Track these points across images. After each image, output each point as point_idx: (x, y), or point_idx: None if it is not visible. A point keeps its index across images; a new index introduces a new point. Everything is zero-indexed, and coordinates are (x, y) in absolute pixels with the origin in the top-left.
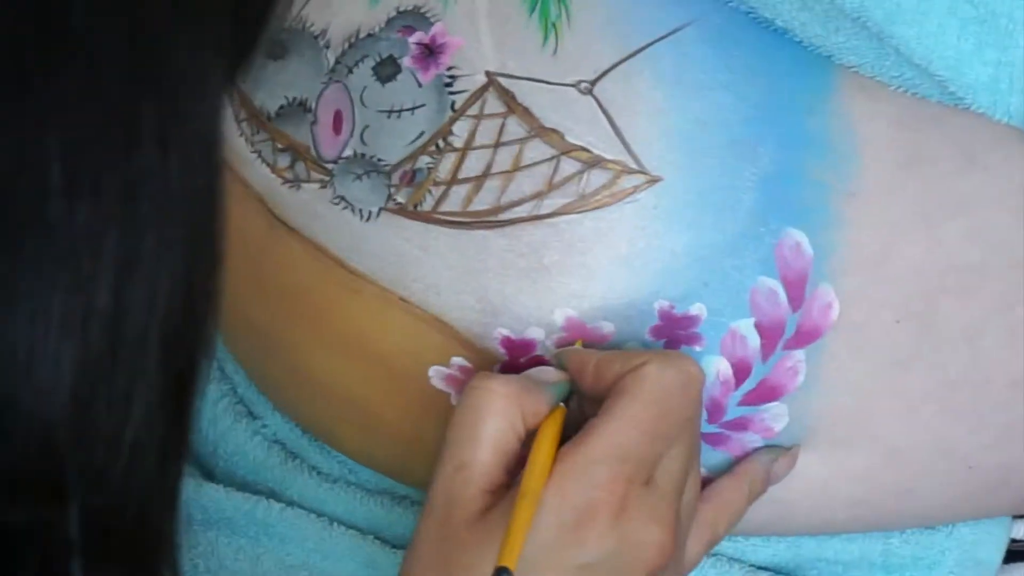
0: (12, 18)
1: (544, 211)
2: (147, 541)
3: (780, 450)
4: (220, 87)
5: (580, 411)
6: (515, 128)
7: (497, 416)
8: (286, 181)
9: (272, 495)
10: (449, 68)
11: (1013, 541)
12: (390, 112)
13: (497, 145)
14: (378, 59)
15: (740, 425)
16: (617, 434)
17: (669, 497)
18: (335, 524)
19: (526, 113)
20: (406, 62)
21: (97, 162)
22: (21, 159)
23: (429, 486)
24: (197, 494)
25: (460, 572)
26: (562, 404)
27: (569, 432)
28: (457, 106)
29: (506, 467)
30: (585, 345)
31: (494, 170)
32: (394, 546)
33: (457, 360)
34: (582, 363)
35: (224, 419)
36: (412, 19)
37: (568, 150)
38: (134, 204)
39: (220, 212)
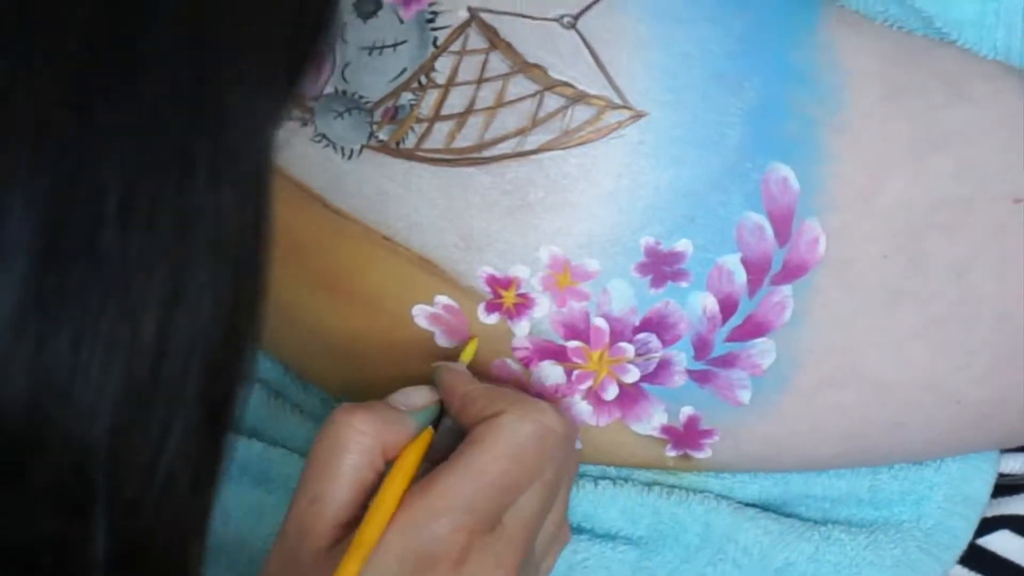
0: (81, 40)
1: (528, 147)
2: (174, 565)
3: None
4: (273, 124)
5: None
6: (498, 64)
7: (354, 453)
8: None
9: (254, 434)
10: (431, 4)
11: (1001, 475)
12: (371, 49)
13: (480, 81)
14: None
15: (727, 362)
16: (463, 486)
17: (517, 540)
18: None
19: (509, 48)
20: None
21: (153, 193)
22: (79, 184)
23: (285, 516)
24: None
25: None
26: (430, 427)
27: (444, 445)
28: (439, 42)
29: (362, 502)
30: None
31: (477, 106)
32: None
33: (441, 298)
34: (451, 389)
35: None
36: None
37: (552, 85)
38: (186, 238)
39: (267, 246)
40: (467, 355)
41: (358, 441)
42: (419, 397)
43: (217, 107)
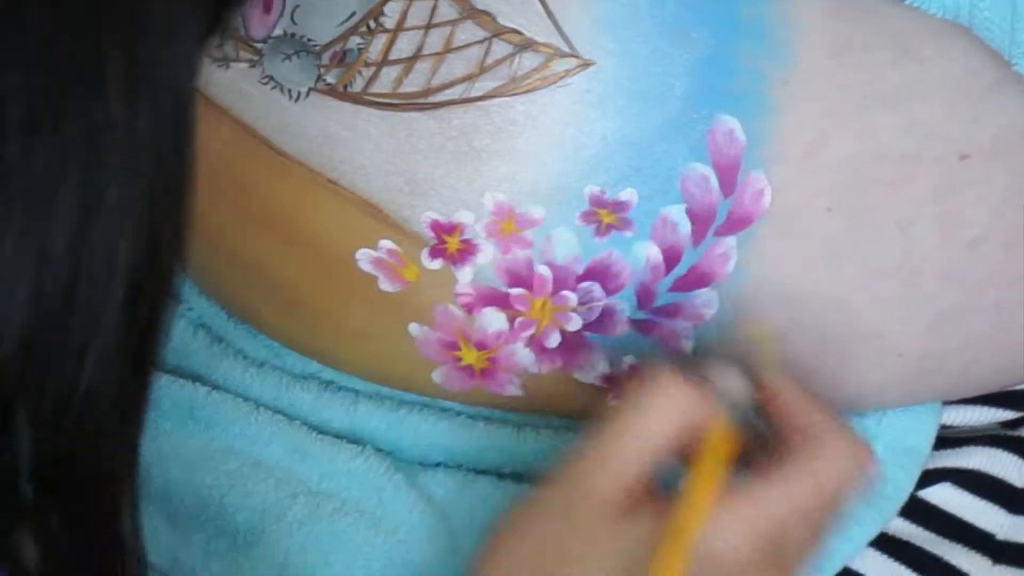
0: None
1: (475, 94)
2: (104, 497)
3: None
4: (196, 39)
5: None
6: (447, 9)
7: (664, 424)
8: (215, 59)
9: (198, 379)
10: None
11: (943, 428)
12: None
13: (429, 27)
14: None
15: (670, 312)
16: (777, 506)
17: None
18: (261, 408)
19: None
20: None
21: (59, 103)
22: None
23: (560, 466)
24: None
25: (589, 563)
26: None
27: None
28: None
29: (652, 473)
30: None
31: (425, 52)
32: (320, 431)
33: (385, 243)
34: (777, 393)
35: None
36: None
37: (500, 32)
38: (97, 150)
39: (191, 165)
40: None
41: (672, 415)
42: (740, 388)
43: (132, 13)
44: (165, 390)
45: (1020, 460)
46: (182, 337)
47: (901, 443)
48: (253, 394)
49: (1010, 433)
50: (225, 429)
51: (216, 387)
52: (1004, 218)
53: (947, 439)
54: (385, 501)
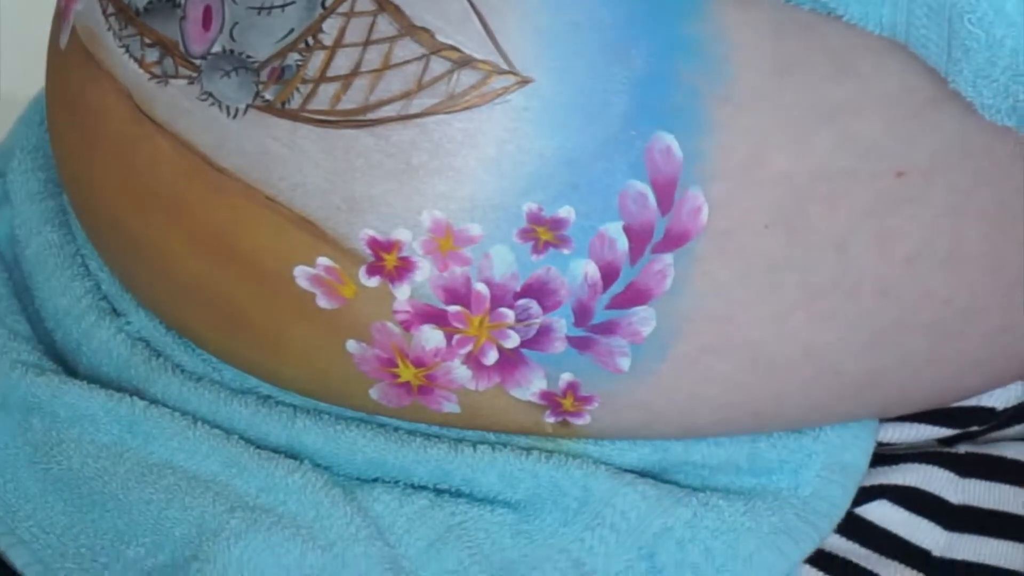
0: None
1: (413, 111)
2: None
3: None
4: None
5: None
6: (385, 26)
7: None
8: (153, 76)
9: (137, 393)
10: None
11: (880, 445)
12: (260, 9)
13: (367, 43)
14: None
15: (608, 329)
16: None
17: None
18: (199, 423)
19: (396, 11)
20: None
21: None
22: None
23: None
24: (61, 392)
25: None
26: None
27: None
28: (328, 3)
29: None
30: (452, 249)
31: (363, 68)
32: (258, 446)
33: (323, 260)
34: None
35: (88, 316)
36: None
37: (438, 49)
38: None
39: None
40: None
41: None
42: None
43: None
44: (103, 404)
45: (956, 477)
46: (120, 351)
47: (838, 460)
48: (191, 408)
49: (947, 450)
50: (163, 443)
51: (154, 402)
52: (940, 235)
53: (884, 456)
54: (322, 515)
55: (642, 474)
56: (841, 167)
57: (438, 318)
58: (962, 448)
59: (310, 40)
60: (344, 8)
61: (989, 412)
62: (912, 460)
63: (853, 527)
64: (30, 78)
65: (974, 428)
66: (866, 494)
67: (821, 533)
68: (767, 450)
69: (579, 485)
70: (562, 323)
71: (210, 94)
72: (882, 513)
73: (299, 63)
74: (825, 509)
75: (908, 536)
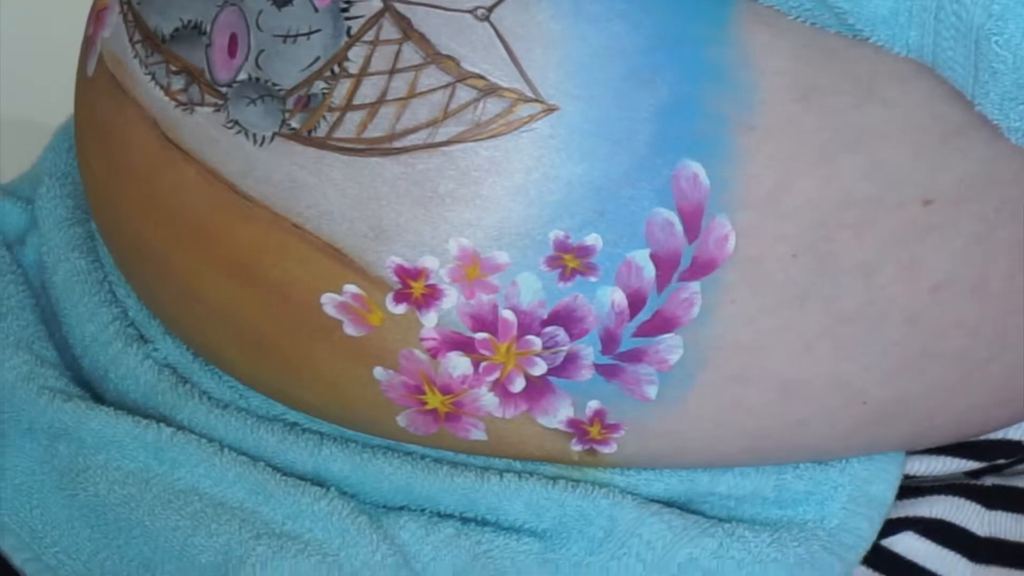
0: None
1: (439, 139)
2: None
3: None
4: None
5: None
6: (411, 55)
7: None
8: (179, 104)
9: (164, 420)
10: None
11: (906, 477)
12: (286, 37)
13: (392, 72)
14: None
15: (634, 357)
16: None
17: None
18: (226, 450)
19: (422, 39)
20: None
21: None
22: None
23: None
24: (87, 418)
25: None
26: None
27: None
28: (353, 32)
29: None
30: (479, 276)
31: (389, 97)
32: (284, 473)
33: (350, 287)
34: None
35: (115, 343)
36: None
37: (464, 77)
38: None
39: None
40: None
41: None
42: None
43: None
44: (130, 431)
45: (983, 509)
46: (147, 378)
47: (864, 493)
48: (218, 435)
49: (973, 482)
50: (190, 470)
51: (181, 428)
52: (967, 264)
53: (910, 488)
54: (348, 543)
55: (668, 504)
56: (867, 195)
57: (465, 345)
58: (988, 480)
59: (336, 68)
60: (370, 36)
61: (1016, 445)
62: (938, 492)
63: (879, 559)
64: (59, 105)
65: (1000, 461)
66: (892, 526)
67: (847, 565)
68: (793, 481)
69: (605, 514)
70: (589, 351)
71: (236, 122)
72: (908, 545)
73: (325, 91)
74: (851, 541)
75: (934, 568)
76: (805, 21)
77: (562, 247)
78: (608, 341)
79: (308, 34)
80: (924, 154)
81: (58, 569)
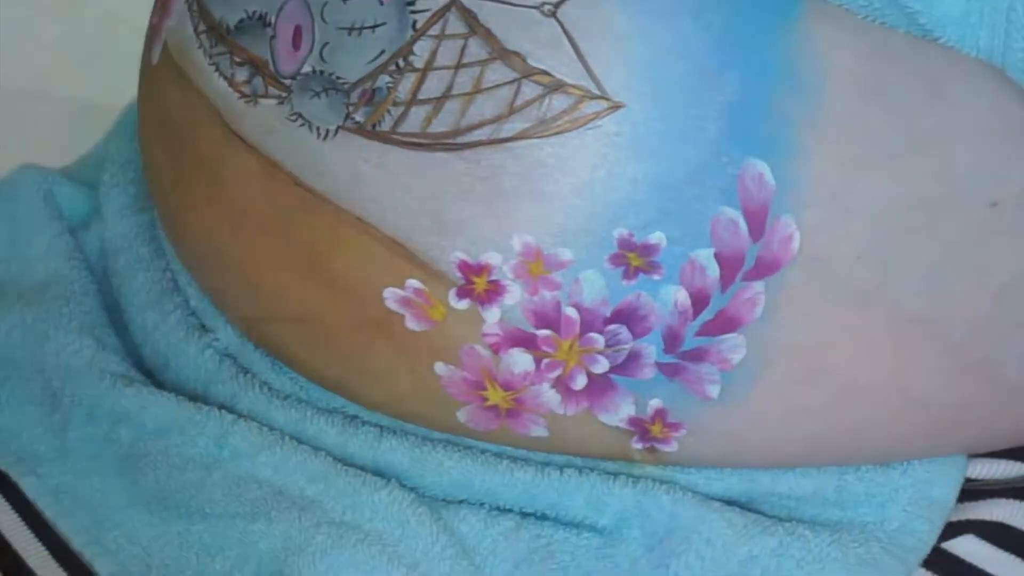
0: None
1: (504, 135)
2: None
3: None
4: None
5: None
6: (477, 50)
7: None
8: (243, 95)
9: (223, 408)
10: None
11: (968, 480)
12: (351, 29)
13: (458, 66)
14: None
15: (697, 356)
16: None
17: None
18: (287, 438)
19: (488, 35)
20: None
21: None
22: None
23: None
24: (149, 403)
25: None
26: None
27: None
28: (418, 25)
29: None
30: (542, 273)
31: (454, 92)
32: (344, 463)
33: (412, 282)
34: None
35: (176, 331)
36: None
37: (530, 73)
38: None
39: None
40: None
41: None
42: None
43: None
44: (191, 417)
45: None
46: (208, 367)
47: (925, 495)
48: (277, 426)
49: None
50: (251, 458)
51: (241, 416)
52: None
53: (971, 491)
54: (408, 534)
55: (728, 503)
56: (933, 196)
57: (527, 342)
58: None
59: (401, 62)
60: (435, 31)
61: None
62: (1000, 495)
63: (940, 562)
64: (118, 88)
65: None
66: (953, 529)
67: (907, 567)
68: (854, 483)
69: (666, 511)
70: (651, 349)
71: (300, 115)
72: (969, 548)
73: (390, 85)
74: (912, 544)
75: (995, 571)
76: (874, 20)
77: (626, 245)
78: (671, 340)
79: (373, 27)
80: (991, 156)
81: (117, 553)
